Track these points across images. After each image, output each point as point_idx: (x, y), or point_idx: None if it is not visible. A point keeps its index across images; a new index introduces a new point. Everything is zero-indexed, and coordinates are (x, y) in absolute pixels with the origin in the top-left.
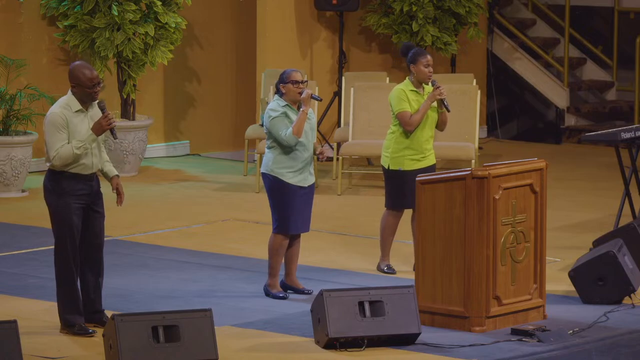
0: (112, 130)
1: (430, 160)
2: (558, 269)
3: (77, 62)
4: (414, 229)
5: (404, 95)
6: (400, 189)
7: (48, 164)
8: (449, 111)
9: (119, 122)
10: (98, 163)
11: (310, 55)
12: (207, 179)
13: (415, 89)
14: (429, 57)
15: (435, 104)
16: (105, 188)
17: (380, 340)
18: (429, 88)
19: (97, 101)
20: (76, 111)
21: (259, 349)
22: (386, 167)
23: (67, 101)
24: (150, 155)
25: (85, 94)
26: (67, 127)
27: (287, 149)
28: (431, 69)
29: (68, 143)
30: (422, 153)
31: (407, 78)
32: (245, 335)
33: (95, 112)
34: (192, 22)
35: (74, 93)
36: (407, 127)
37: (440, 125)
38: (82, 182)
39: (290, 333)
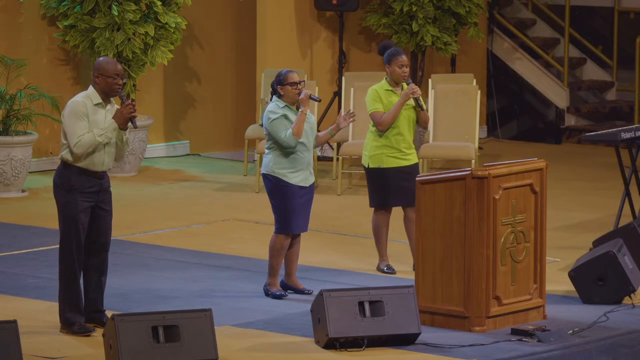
0: (132, 119)
1: (412, 159)
2: (558, 269)
3: (103, 57)
4: (407, 228)
5: (376, 95)
6: (381, 186)
7: (62, 154)
8: (422, 109)
9: None
10: (109, 163)
11: (310, 55)
12: (207, 179)
13: (390, 89)
14: (403, 57)
15: (412, 102)
16: (114, 188)
17: (380, 340)
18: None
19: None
20: (96, 104)
21: (259, 349)
22: (366, 165)
23: (88, 93)
24: (150, 155)
25: (108, 84)
26: (88, 117)
27: (287, 150)
28: (405, 69)
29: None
30: (401, 151)
31: (384, 78)
32: (245, 335)
33: (113, 110)
34: (192, 22)
35: (95, 85)
36: (379, 126)
37: (421, 124)
38: (92, 180)
39: (290, 333)
